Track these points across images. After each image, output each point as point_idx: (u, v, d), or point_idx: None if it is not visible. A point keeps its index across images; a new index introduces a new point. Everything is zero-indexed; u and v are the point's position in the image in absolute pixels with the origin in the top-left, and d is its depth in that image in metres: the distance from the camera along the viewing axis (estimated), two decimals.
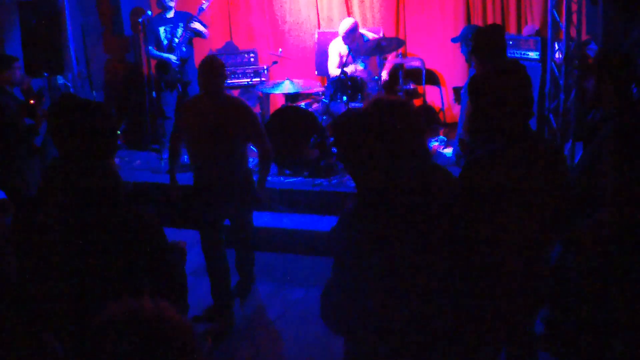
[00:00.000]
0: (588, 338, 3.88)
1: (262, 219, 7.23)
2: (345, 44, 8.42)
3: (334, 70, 8.60)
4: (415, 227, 2.60)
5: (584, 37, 7.19)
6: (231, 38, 10.02)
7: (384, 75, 8.59)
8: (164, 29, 8.50)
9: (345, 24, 8.45)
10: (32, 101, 6.71)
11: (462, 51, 7.68)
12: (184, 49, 8.48)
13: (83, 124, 2.56)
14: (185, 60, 8.53)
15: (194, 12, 8.45)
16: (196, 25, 8.41)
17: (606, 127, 3.74)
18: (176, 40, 8.48)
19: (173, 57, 8.42)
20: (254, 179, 5.80)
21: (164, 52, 8.46)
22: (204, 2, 8.39)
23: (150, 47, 8.53)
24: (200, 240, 5.53)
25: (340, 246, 2.71)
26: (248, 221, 5.91)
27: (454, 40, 8.03)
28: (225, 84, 9.11)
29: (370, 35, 8.75)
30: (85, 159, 2.51)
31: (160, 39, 8.47)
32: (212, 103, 5.41)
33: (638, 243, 3.63)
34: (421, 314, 2.66)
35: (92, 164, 2.50)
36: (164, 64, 8.45)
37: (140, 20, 8.40)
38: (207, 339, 5.19)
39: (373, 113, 2.69)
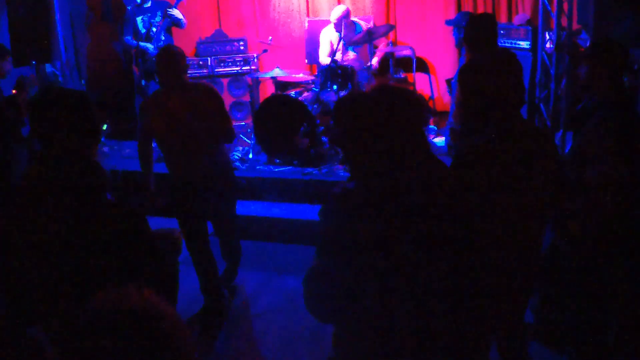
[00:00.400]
0: (578, 326, 3.90)
1: (252, 208, 7.22)
2: (337, 31, 8.40)
3: (324, 59, 8.59)
4: (414, 220, 2.57)
5: (575, 26, 7.17)
6: (220, 26, 9.97)
7: (375, 63, 8.59)
8: (142, 18, 8.43)
9: (337, 11, 8.44)
10: (14, 91, 6.66)
11: (453, 35, 7.68)
12: (162, 37, 8.42)
13: (64, 117, 2.50)
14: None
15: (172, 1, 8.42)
16: (174, 12, 8.28)
17: (597, 115, 3.74)
18: (154, 29, 8.42)
19: (150, 46, 8.36)
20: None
21: (141, 41, 8.40)
22: None
23: (128, 37, 8.47)
24: (183, 235, 5.36)
25: (328, 234, 2.69)
26: (231, 213, 5.69)
27: (447, 22, 8.03)
28: (214, 73, 9.18)
29: (363, 24, 8.74)
30: (67, 152, 2.46)
31: (138, 28, 8.41)
32: (179, 98, 5.02)
33: (628, 230, 3.65)
34: (418, 312, 2.64)
35: (73, 157, 2.45)
36: (141, 53, 8.39)
37: (129, 8, 8.35)
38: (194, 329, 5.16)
39: (380, 97, 2.66)
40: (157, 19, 8.38)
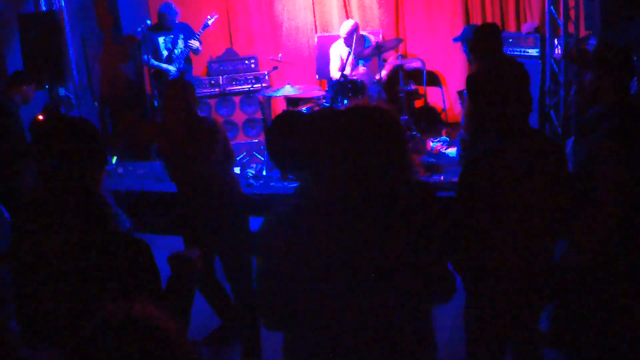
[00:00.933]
0: (592, 334, 3.88)
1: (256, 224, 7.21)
2: (347, 46, 8.45)
3: (335, 73, 8.63)
4: (370, 238, 2.52)
5: (583, 33, 7.17)
6: (231, 44, 10.04)
7: (384, 76, 8.61)
8: (164, 39, 8.53)
9: (347, 25, 8.48)
10: (40, 117, 6.75)
11: (464, 51, 7.68)
12: (183, 61, 8.56)
13: (63, 144, 2.48)
14: (184, 73, 8.57)
15: (193, 22, 8.51)
16: (195, 44, 8.47)
17: (603, 124, 3.70)
18: (177, 51, 8.52)
19: (172, 68, 8.47)
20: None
21: (162, 62, 8.49)
22: (209, 17, 8.44)
23: (146, 57, 8.55)
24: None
25: (276, 249, 2.66)
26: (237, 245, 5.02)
27: (455, 39, 8.04)
28: (225, 91, 9.25)
29: (372, 38, 8.78)
30: (66, 178, 2.44)
31: (160, 49, 8.50)
32: (188, 130, 4.83)
33: (636, 240, 3.63)
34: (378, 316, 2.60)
35: (76, 186, 2.43)
36: (160, 74, 8.47)
37: (139, 29, 8.43)
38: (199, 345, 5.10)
39: (349, 116, 2.60)
40: (180, 42, 8.47)
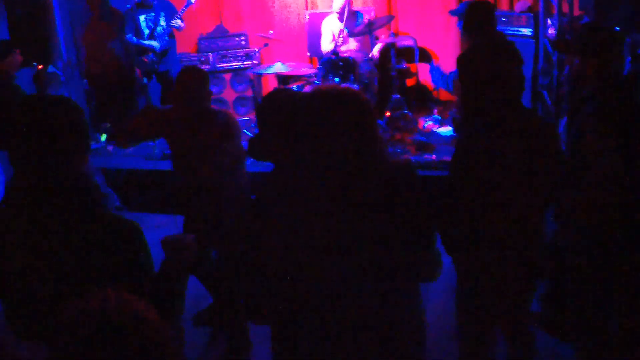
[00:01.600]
0: (583, 316, 3.87)
1: None
2: (340, 21, 8.39)
3: (327, 47, 8.60)
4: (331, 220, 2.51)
5: (577, 12, 7.12)
6: (221, 21, 9.94)
7: (376, 54, 8.56)
8: (145, 17, 8.43)
9: (338, 1, 8.41)
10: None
11: (458, 25, 7.63)
12: (166, 38, 8.46)
13: (41, 123, 2.39)
14: (166, 51, 8.50)
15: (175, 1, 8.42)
16: (177, 22, 8.36)
17: (588, 106, 3.69)
18: (159, 29, 8.42)
19: (156, 44, 8.37)
20: None
21: (144, 40, 8.39)
22: None
23: (130, 35, 8.47)
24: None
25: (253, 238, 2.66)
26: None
27: (451, 12, 7.99)
28: (216, 68, 9.19)
29: (364, 15, 8.72)
30: (46, 159, 2.36)
31: (141, 27, 8.40)
32: (199, 123, 4.63)
33: (629, 222, 3.62)
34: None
35: (60, 167, 2.36)
36: (142, 51, 8.39)
37: (128, 6, 8.33)
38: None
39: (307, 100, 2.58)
40: (162, 20, 8.37)
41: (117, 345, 1.44)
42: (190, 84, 4.61)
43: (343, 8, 8.34)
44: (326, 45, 8.63)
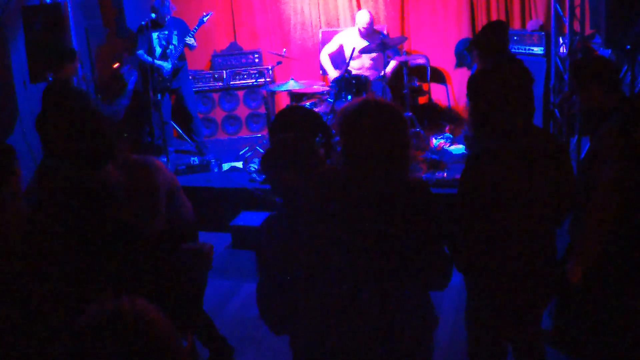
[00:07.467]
0: (594, 333, 3.87)
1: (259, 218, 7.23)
2: (362, 37, 8.46)
3: (324, 54, 8.79)
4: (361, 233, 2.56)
5: (588, 31, 7.15)
6: (235, 39, 10.01)
7: (388, 72, 8.60)
8: (157, 35, 8.50)
9: (365, 17, 8.46)
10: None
11: (455, 66, 7.76)
12: (177, 58, 8.55)
13: (76, 127, 2.47)
14: (178, 70, 8.58)
15: (188, 19, 8.48)
16: (190, 41, 8.45)
17: (604, 125, 3.71)
18: (171, 47, 8.49)
19: (166, 65, 8.44)
20: None
21: (156, 59, 8.46)
22: (205, 14, 8.42)
23: (141, 51, 8.55)
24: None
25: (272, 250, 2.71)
26: None
27: (455, 52, 8.11)
28: (229, 85, 9.25)
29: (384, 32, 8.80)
30: (74, 163, 2.43)
31: (153, 45, 8.45)
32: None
33: (635, 239, 3.63)
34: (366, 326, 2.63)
35: (84, 173, 2.42)
36: (156, 70, 8.45)
37: (142, 23, 8.41)
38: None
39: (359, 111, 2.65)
40: (175, 39, 8.45)
41: (125, 342, 1.47)
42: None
43: (370, 24, 8.40)
44: (325, 53, 8.79)
